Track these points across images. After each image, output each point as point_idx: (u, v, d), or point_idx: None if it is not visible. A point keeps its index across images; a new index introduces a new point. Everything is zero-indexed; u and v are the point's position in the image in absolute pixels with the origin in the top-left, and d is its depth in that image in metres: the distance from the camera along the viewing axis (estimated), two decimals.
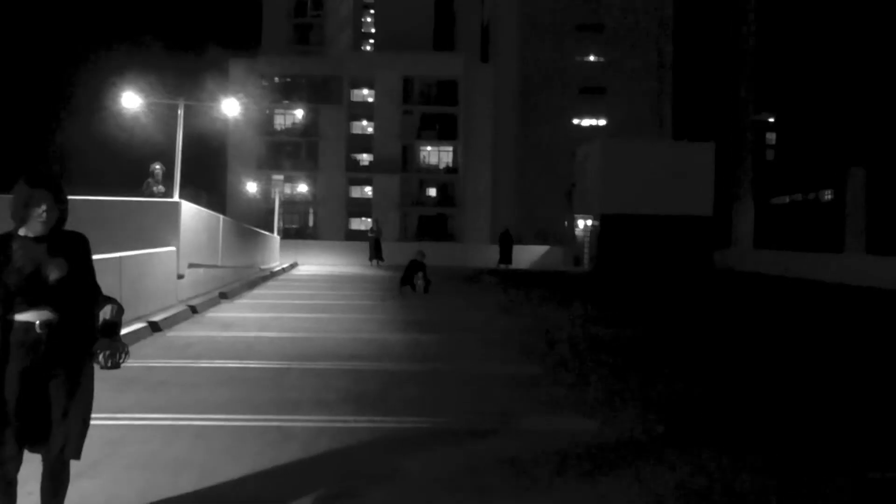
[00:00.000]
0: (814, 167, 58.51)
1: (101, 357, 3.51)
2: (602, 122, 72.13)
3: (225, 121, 63.32)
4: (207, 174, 71.32)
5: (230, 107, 17.21)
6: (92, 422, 3.59)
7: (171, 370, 8.30)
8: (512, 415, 6.63)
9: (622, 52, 71.96)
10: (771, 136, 70.01)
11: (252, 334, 11.16)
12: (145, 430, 5.95)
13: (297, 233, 63.57)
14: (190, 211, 15.78)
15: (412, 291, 18.39)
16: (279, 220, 57.56)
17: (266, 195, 55.79)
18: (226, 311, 14.10)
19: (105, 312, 3.53)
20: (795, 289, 24.32)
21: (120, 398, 6.91)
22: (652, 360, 9.69)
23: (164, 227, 14.97)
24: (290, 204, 65.18)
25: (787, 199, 63.97)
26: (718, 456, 5.44)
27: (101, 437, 5.34)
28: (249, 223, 43.20)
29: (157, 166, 15.56)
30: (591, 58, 72.98)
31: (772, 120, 68.68)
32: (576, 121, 72.66)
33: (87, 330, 3.52)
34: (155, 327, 11.05)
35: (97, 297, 3.58)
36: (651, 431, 6.11)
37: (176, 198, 16.00)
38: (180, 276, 15.28)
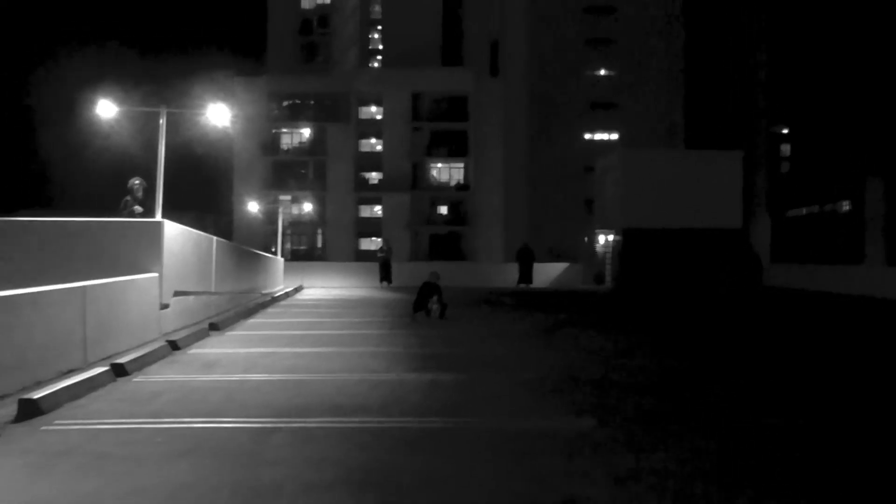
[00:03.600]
0: (829, 178, 57.06)
1: None
2: (614, 137, 70.60)
3: (230, 141, 62.30)
4: (215, 197, 69.99)
5: (219, 114, 15.50)
6: None
7: (120, 435, 6.42)
8: None
9: (633, 67, 70.62)
10: (785, 148, 68.52)
11: (236, 377, 9.27)
12: None
13: (305, 254, 61.90)
14: (175, 232, 13.97)
15: (426, 317, 16.50)
16: (285, 241, 56.02)
17: (272, 216, 54.13)
18: (212, 346, 12.23)
19: None
20: (833, 304, 22.27)
21: (34, 486, 5.04)
22: (730, 404, 7.74)
23: (144, 250, 13.18)
24: (297, 225, 63.57)
25: (804, 212, 62.29)
26: None
27: None
28: (256, 245, 41.71)
29: (137, 181, 13.80)
30: (602, 72, 71.66)
31: (786, 131, 67.18)
32: (587, 136, 71.14)
33: None
34: (119, 371, 9.19)
35: None
36: None
37: (158, 217, 14.19)
38: (164, 306, 13.46)
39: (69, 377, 8.32)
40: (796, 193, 63.21)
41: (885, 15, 49.94)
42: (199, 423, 6.78)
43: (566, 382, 8.94)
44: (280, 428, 6.64)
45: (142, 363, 9.91)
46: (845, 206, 56.41)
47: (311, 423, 6.85)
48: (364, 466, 5.54)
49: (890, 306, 21.60)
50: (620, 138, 69.51)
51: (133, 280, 12.27)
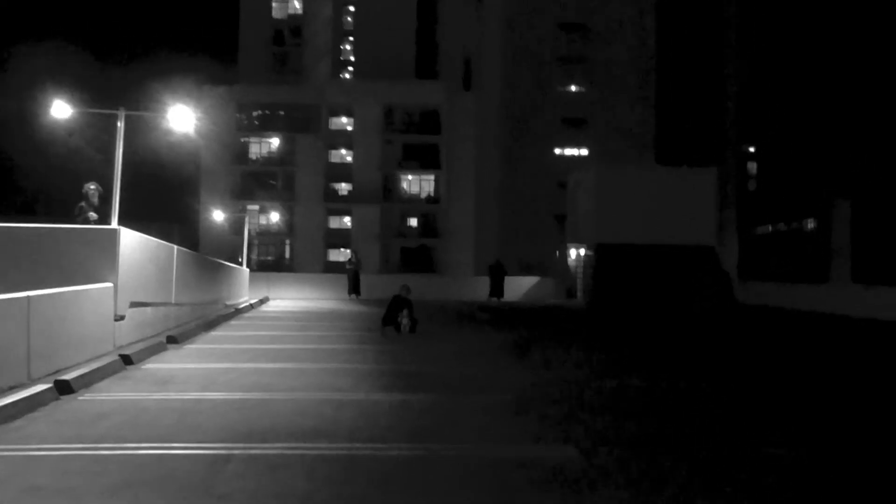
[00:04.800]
0: (796, 197, 57.77)
1: None
2: (584, 152, 70.72)
3: (198, 150, 61.18)
4: (182, 207, 68.68)
5: (181, 117, 14.81)
6: None
7: (56, 463, 5.78)
8: None
9: (604, 84, 70.96)
10: (752, 166, 69.36)
11: (192, 395, 8.63)
12: None
13: (273, 265, 60.86)
14: (132, 240, 13.27)
15: (396, 332, 15.92)
16: (252, 251, 55.03)
17: (240, 226, 53.17)
18: (169, 361, 11.55)
19: None
20: (804, 322, 22.10)
21: None
22: (721, 429, 7.29)
23: (98, 259, 12.46)
24: (265, 235, 62.60)
25: (770, 229, 62.90)
26: None
27: None
28: (224, 255, 40.67)
29: (92, 187, 13.07)
30: (573, 88, 71.92)
31: (753, 150, 67.98)
32: (558, 151, 71.18)
33: None
34: (64, 388, 8.49)
35: None
36: None
37: (114, 224, 13.46)
38: (119, 318, 12.73)
39: (6, 395, 7.63)
40: (763, 211, 63.87)
41: (853, 36, 50.67)
42: (145, 451, 6.14)
43: (545, 405, 8.42)
44: (236, 455, 6.03)
45: (90, 379, 9.22)
46: (811, 224, 57.08)
47: (271, 449, 6.25)
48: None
49: (859, 325, 21.49)
50: (591, 154, 69.68)
51: (85, 290, 11.55)
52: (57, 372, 9.37)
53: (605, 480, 5.56)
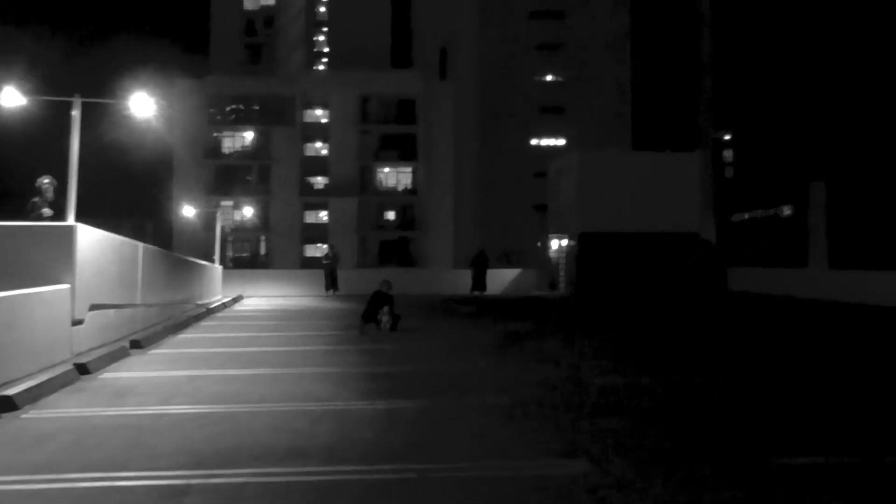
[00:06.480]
0: (772, 183, 57.68)
1: None
2: (561, 142, 70.16)
3: (170, 144, 59.73)
4: (154, 203, 67.14)
5: (141, 105, 13.82)
6: None
7: None
8: None
9: (581, 72, 70.40)
10: (728, 154, 69.22)
11: (151, 410, 7.73)
12: None
13: (248, 262, 59.66)
14: (92, 237, 12.28)
15: (377, 330, 15.07)
16: (227, 248, 53.79)
17: (213, 222, 51.95)
18: (130, 369, 10.61)
19: None
20: (788, 308, 21.55)
21: None
22: (743, 435, 6.53)
23: (52, 258, 11.47)
24: (240, 231, 61.34)
25: (747, 216, 62.80)
26: None
27: None
28: (197, 252, 39.48)
29: (46, 180, 12.07)
30: (550, 77, 71.30)
31: (728, 137, 67.79)
32: (535, 140, 70.57)
33: None
34: (6, 404, 7.57)
35: None
36: None
37: (71, 220, 12.46)
38: (77, 322, 11.76)
39: None
40: (740, 198, 63.74)
41: (827, 21, 50.41)
42: (88, 482, 5.26)
43: (542, 408, 7.64)
44: (194, 486, 5.17)
45: (37, 393, 8.29)
46: (787, 210, 57.03)
47: (237, 477, 5.39)
48: None
49: (841, 308, 21.03)
50: (568, 143, 69.12)
51: (36, 293, 10.56)
52: (1, 385, 8.43)
53: (618, 499, 4.77)
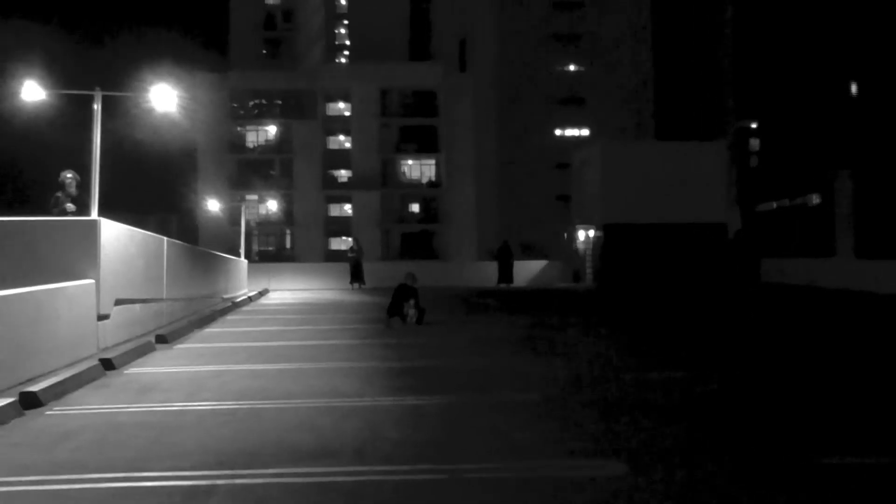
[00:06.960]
0: (799, 172, 56.65)
1: None
2: (584, 132, 69.53)
3: (194, 140, 60.01)
4: (179, 198, 67.50)
5: (163, 97, 13.75)
6: None
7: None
8: None
9: (601, 62, 69.67)
10: (754, 143, 68.12)
11: (175, 406, 7.62)
12: None
13: (273, 255, 59.86)
14: (116, 232, 12.23)
15: (402, 323, 14.91)
16: (252, 242, 53.99)
17: (238, 217, 52.15)
18: (155, 364, 10.53)
19: None
20: (821, 299, 21.08)
21: None
22: (786, 431, 6.28)
23: (77, 253, 11.43)
24: (265, 225, 61.50)
25: (774, 206, 61.84)
26: None
27: None
28: (222, 247, 39.64)
29: (69, 175, 12.02)
30: (571, 68, 70.64)
31: (754, 126, 66.73)
32: (557, 131, 69.99)
33: None
34: (30, 401, 7.48)
35: None
36: None
37: (94, 215, 12.41)
38: (103, 317, 11.71)
39: None
40: (766, 187, 62.78)
41: (851, 8, 49.40)
42: (109, 482, 5.12)
43: (574, 405, 7.41)
44: (218, 487, 5.02)
45: (62, 390, 8.21)
46: (815, 199, 56.06)
47: (262, 477, 5.23)
48: None
49: (873, 299, 20.53)
50: (591, 134, 68.49)
51: (62, 288, 10.51)
52: (26, 382, 8.37)
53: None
